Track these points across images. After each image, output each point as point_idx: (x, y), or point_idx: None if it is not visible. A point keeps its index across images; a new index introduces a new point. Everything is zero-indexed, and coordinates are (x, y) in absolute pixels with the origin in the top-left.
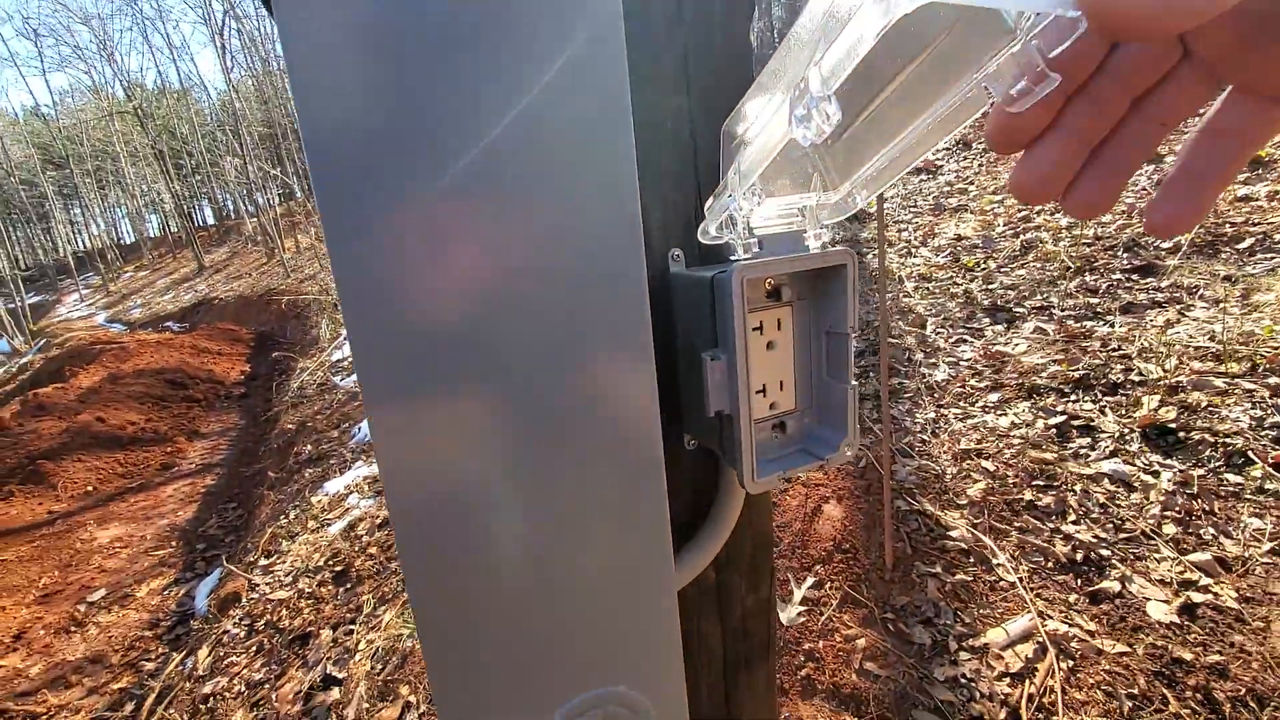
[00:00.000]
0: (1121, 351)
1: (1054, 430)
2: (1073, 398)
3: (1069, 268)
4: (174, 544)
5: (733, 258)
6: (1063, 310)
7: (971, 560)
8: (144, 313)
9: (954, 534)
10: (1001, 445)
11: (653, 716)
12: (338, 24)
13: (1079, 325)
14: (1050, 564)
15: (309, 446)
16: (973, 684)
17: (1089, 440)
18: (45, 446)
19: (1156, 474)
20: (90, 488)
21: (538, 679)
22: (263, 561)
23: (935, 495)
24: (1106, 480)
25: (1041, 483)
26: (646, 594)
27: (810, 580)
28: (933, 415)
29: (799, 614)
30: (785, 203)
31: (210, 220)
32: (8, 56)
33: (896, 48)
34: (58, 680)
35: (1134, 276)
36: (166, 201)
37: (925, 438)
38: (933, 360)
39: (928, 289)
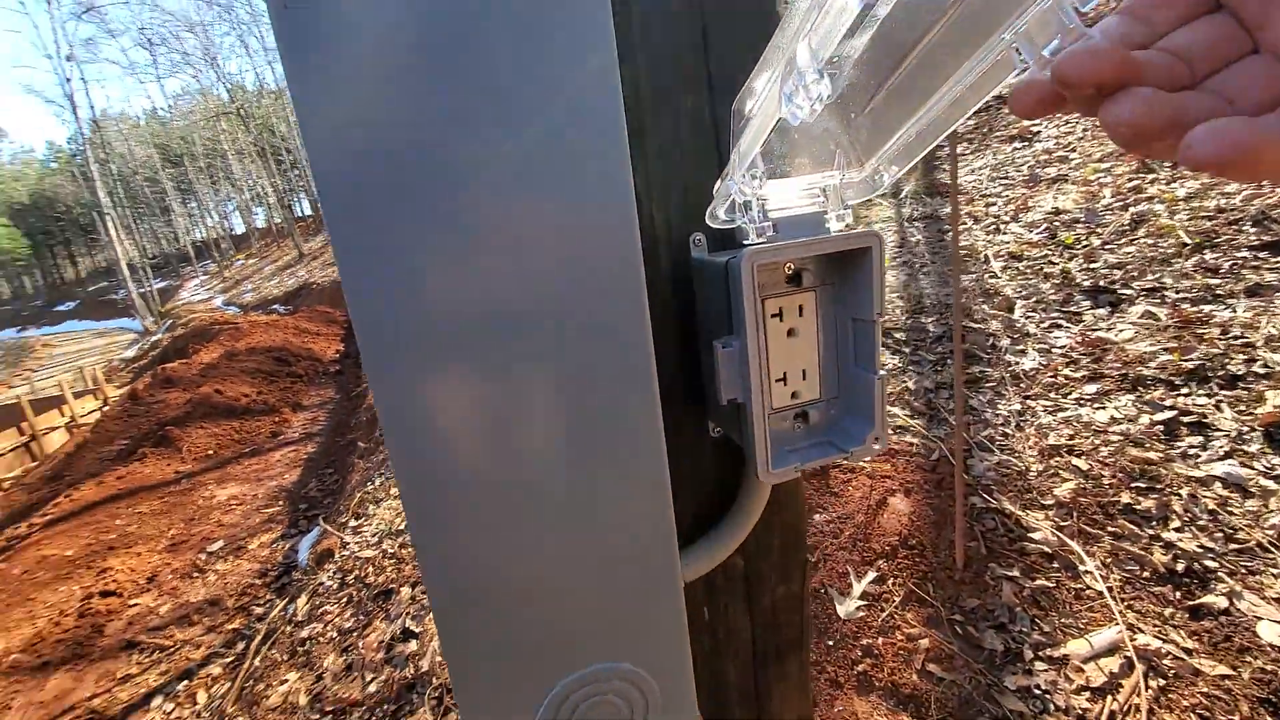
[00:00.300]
0: (1244, 340)
1: (1160, 427)
2: (1184, 391)
3: (1186, 244)
4: (281, 503)
5: (745, 242)
6: (1177, 292)
7: (1055, 565)
8: (254, 296)
9: (1036, 536)
10: (1098, 442)
11: (657, 695)
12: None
13: (1195, 309)
14: (1146, 574)
15: None
16: (1047, 696)
17: (1201, 439)
18: (172, 415)
19: (1279, 479)
20: (210, 451)
21: (543, 650)
22: (353, 523)
23: (1017, 494)
24: (1219, 484)
25: (1142, 485)
26: (651, 577)
27: (871, 574)
28: (1018, 407)
29: (857, 608)
30: (808, 182)
31: (308, 211)
32: (127, 66)
33: (916, 12)
34: (182, 619)
35: (1262, 254)
36: (269, 195)
37: (1008, 431)
38: (1020, 347)
39: (1017, 269)
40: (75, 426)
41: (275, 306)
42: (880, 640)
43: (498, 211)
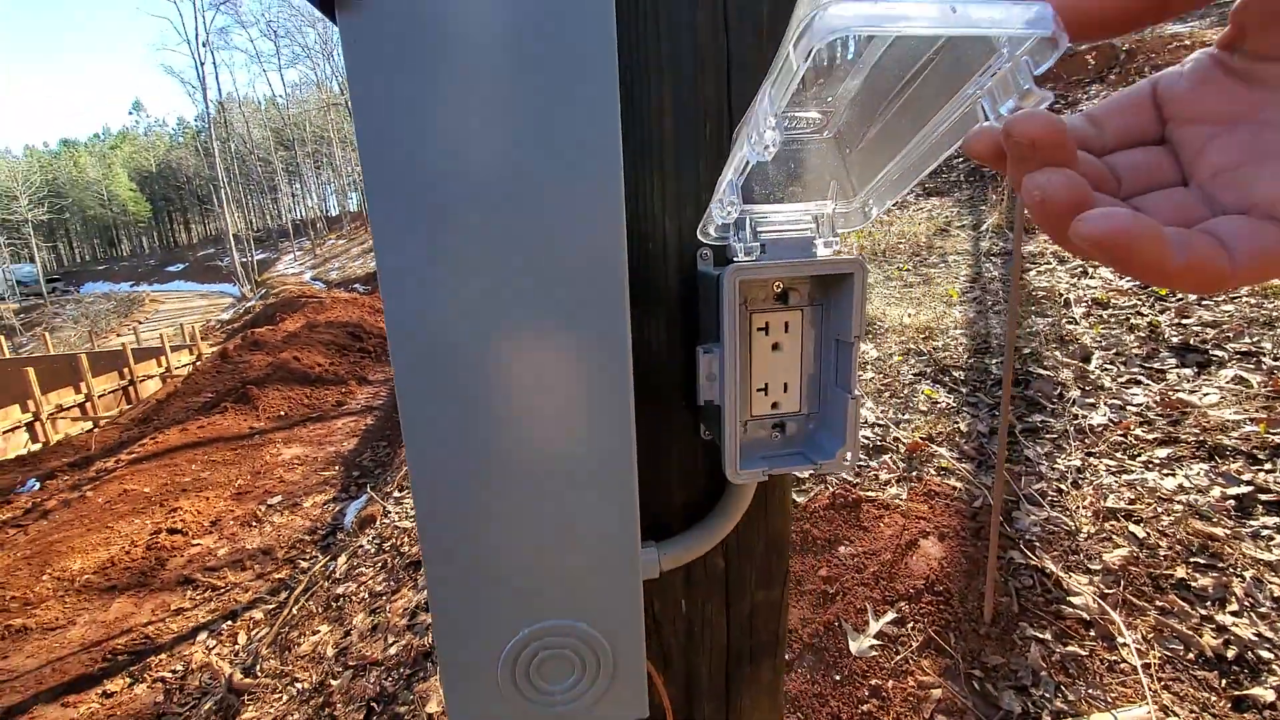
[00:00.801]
0: None
1: (1232, 502)
2: (1267, 466)
3: None
4: (337, 468)
5: (735, 259)
6: (1275, 359)
7: (1091, 633)
8: (340, 274)
9: (1076, 600)
10: (1160, 510)
11: (609, 657)
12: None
13: None
14: (1191, 655)
15: None
16: None
17: (1277, 520)
18: (254, 375)
19: None
20: (282, 413)
21: (512, 600)
22: (396, 494)
23: (1062, 554)
24: None
25: (1202, 561)
26: (612, 551)
27: (890, 615)
28: (1077, 463)
29: (871, 647)
30: (802, 209)
31: None
32: (254, 55)
33: (900, 63)
34: (236, 563)
35: None
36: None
37: (1063, 487)
38: (1091, 400)
39: (1100, 316)
40: (169, 376)
41: (356, 285)
42: (890, 683)
43: (500, 221)
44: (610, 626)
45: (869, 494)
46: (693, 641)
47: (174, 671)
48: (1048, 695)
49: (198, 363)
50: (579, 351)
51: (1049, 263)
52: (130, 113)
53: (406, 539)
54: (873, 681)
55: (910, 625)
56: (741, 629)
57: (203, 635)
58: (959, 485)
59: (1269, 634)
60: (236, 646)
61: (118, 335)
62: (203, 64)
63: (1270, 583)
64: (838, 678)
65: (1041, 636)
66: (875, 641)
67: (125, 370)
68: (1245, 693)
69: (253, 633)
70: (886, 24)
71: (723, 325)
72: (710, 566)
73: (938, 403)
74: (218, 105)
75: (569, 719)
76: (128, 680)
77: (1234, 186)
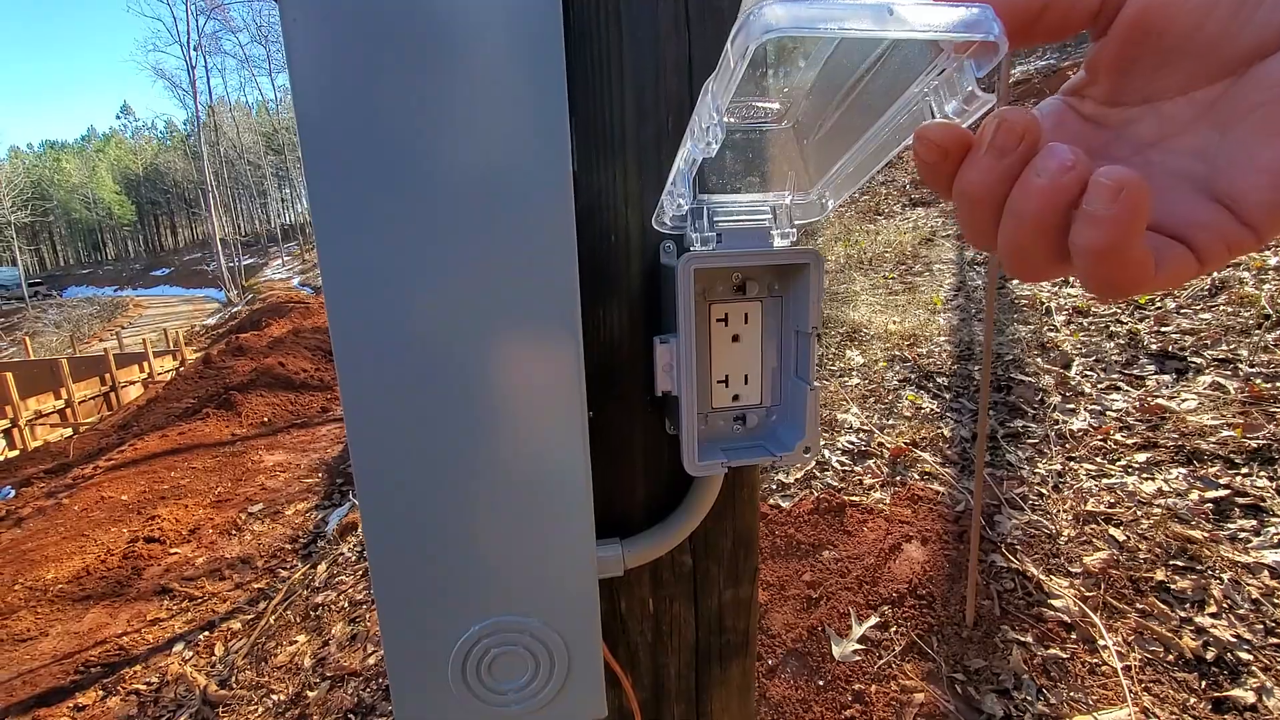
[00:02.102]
0: None
1: (1210, 505)
2: (1244, 470)
3: (1269, 316)
4: (321, 475)
5: (692, 249)
6: (1251, 366)
7: (1072, 636)
8: None
9: (1056, 603)
10: (1139, 513)
11: (564, 652)
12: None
13: (1270, 386)
14: (1171, 657)
15: None
16: None
17: (1254, 523)
18: (238, 381)
19: None
20: (265, 419)
21: (461, 594)
22: None
23: (1043, 557)
24: (1267, 573)
25: (1180, 563)
26: (566, 542)
27: (873, 619)
28: (1058, 468)
29: (854, 651)
30: (760, 199)
31: None
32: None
33: (851, 59)
34: (215, 572)
35: None
36: None
37: (1044, 491)
38: (1071, 406)
39: (1081, 324)
40: (151, 382)
41: None
42: (873, 687)
43: (446, 215)
44: (565, 623)
45: (853, 498)
46: (660, 641)
47: (148, 683)
48: (1030, 698)
49: (181, 368)
50: (529, 345)
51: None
52: (118, 116)
53: None
54: (856, 686)
55: (893, 629)
56: (710, 628)
57: (179, 646)
58: (942, 490)
59: (1247, 635)
60: (213, 658)
61: (100, 340)
62: (193, 67)
63: (1248, 585)
64: (821, 683)
65: (1023, 639)
66: (858, 646)
67: (107, 376)
68: (1225, 694)
69: (230, 644)
70: (821, 25)
71: (679, 315)
72: (677, 564)
73: (921, 408)
74: (208, 109)
75: (523, 719)
76: (100, 693)
77: None
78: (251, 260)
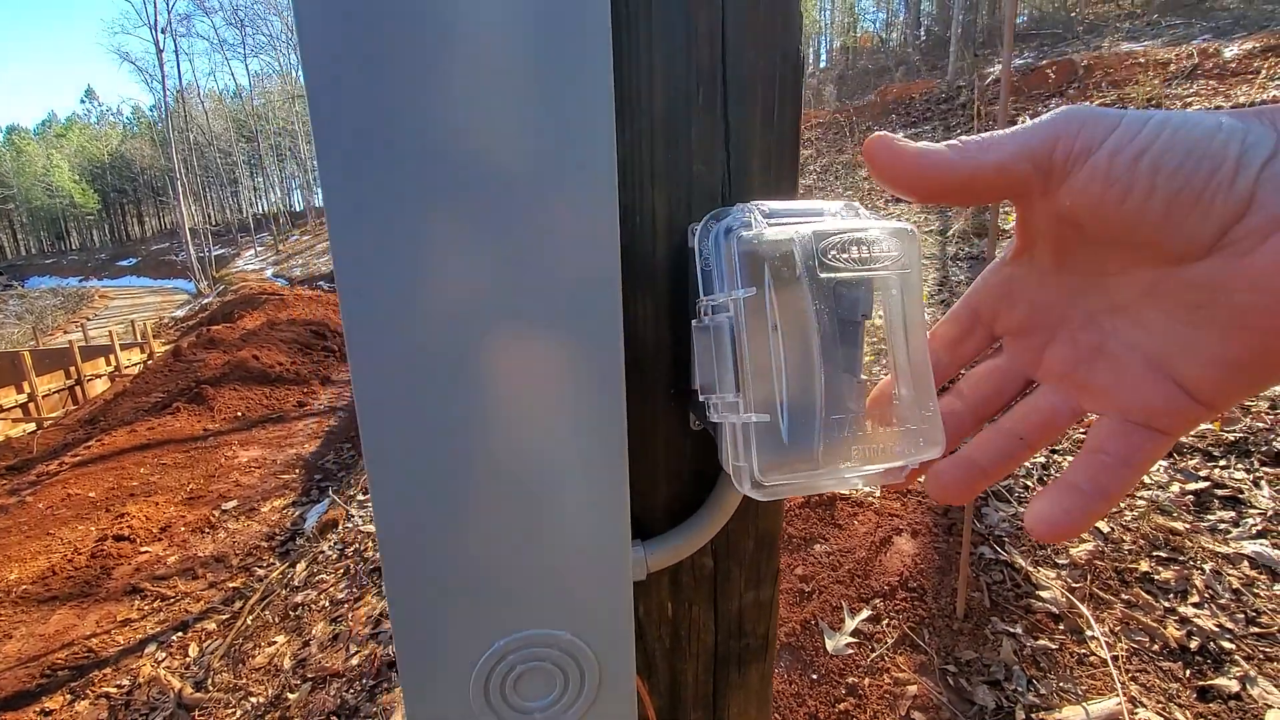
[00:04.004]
0: None
1: (1191, 497)
2: (1223, 463)
3: None
4: (297, 471)
5: (735, 229)
6: None
7: (1060, 627)
8: (303, 271)
9: (1045, 595)
10: (1123, 505)
11: (595, 666)
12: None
13: None
14: (1156, 647)
15: None
16: None
17: (1233, 514)
18: (210, 374)
19: None
20: (239, 414)
21: (488, 607)
22: (360, 497)
23: (1030, 549)
24: (1246, 563)
25: (1164, 554)
26: (601, 550)
27: (866, 612)
28: (1043, 460)
29: (847, 645)
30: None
31: None
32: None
33: None
34: (188, 571)
35: None
36: None
37: (1030, 484)
38: None
39: None
40: (118, 375)
41: (320, 283)
42: (867, 680)
43: (477, 206)
44: (597, 635)
45: (843, 492)
46: (679, 646)
47: (119, 686)
48: (1020, 689)
49: (149, 361)
50: (566, 341)
51: None
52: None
53: (370, 544)
54: (849, 680)
55: (885, 622)
56: (730, 632)
57: (151, 647)
58: None
59: (1229, 625)
60: (187, 659)
61: (64, 332)
62: (161, 50)
63: (1228, 575)
64: (815, 677)
65: (1013, 631)
66: (851, 639)
67: (72, 369)
68: (1210, 682)
69: (205, 644)
70: None
71: (723, 303)
72: (698, 566)
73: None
74: (177, 94)
75: None
76: (68, 697)
77: (1081, 389)
78: (222, 250)
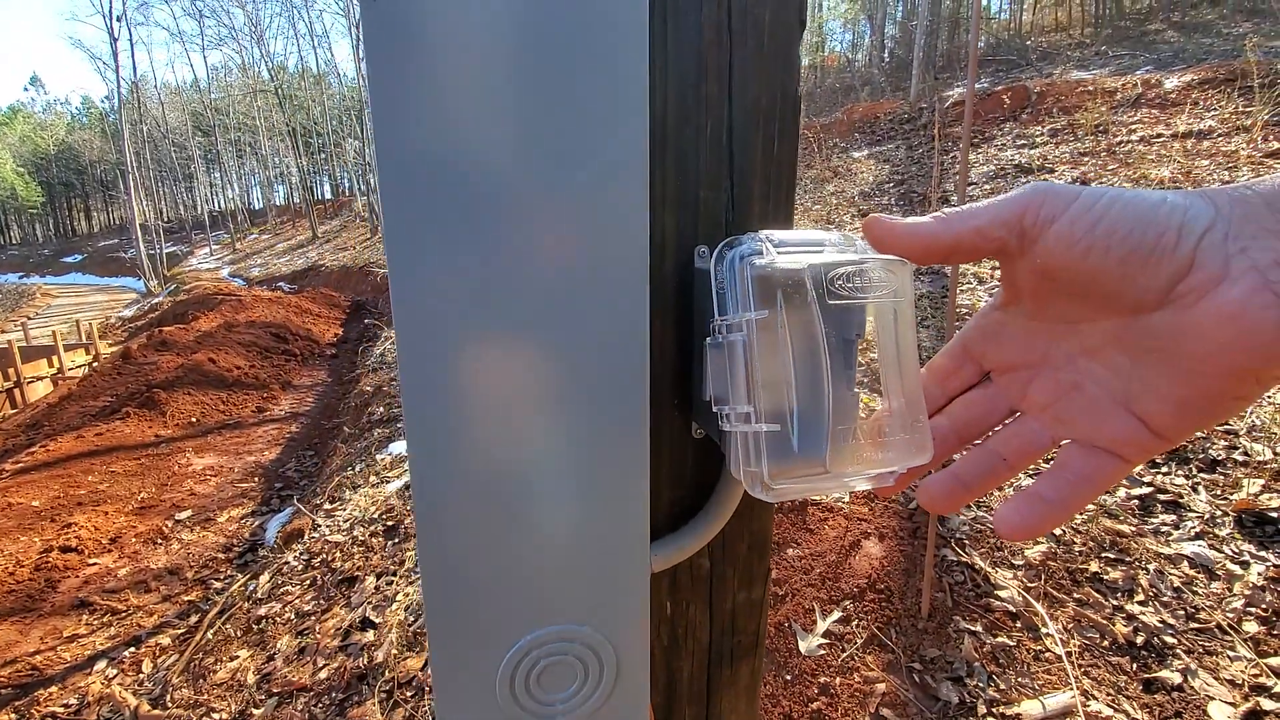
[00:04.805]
0: (1227, 426)
1: (1135, 502)
2: (1164, 469)
3: None
4: (257, 479)
5: (746, 256)
6: None
7: (1018, 625)
8: (262, 271)
9: (1003, 594)
10: None
11: (613, 659)
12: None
13: None
14: (1106, 643)
15: (381, 409)
16: None
17: (1174, 518)
18: (162, 378)
19: (1246, 564)
20: (194, 419)
21: (516, 603)
22: (327, 506)
23: (989, 550)
24: (1186, 563)
25: (1112, 555)
26: (623, 556)
27: (837, 614)
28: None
29: (819, 646)
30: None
31: (328, 194)
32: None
33: None
34: (140, 584)
35: None
36: (293, 174)
37: (993, 493)
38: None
39: None
40: (62, 378)
41: (280, 284)
42: (838, 680)
43: (520, 219)
44: (616, 628)
45: (814, 498)
46: (676, 644)
47: (66, 705)
48: (981, 685)
49: (95, 363)
50: (597, 350)
51: (969, 283)
52: (26, 88)
53: (338, 554)
54: (821, 679)
55: (855, 623)
56: (723, 630)
57: (101, 664)
58: None
59: (1171, 621)
60: (141, 675)
61: (3, 331)
62: (116, 39)
63: (1170, 574)
64: (788, 677)
65: (973, 629)
66: (823, 640)
67: (10, 371)
68: (1154, 675)
69: (159, 660)
70: None
71: (732, 322)
72: (695, 567)
73: (874, 410)
74: (131, 84)
75: None
76: (12, 716)
77: (1059, 420)
78: (175, 248)
